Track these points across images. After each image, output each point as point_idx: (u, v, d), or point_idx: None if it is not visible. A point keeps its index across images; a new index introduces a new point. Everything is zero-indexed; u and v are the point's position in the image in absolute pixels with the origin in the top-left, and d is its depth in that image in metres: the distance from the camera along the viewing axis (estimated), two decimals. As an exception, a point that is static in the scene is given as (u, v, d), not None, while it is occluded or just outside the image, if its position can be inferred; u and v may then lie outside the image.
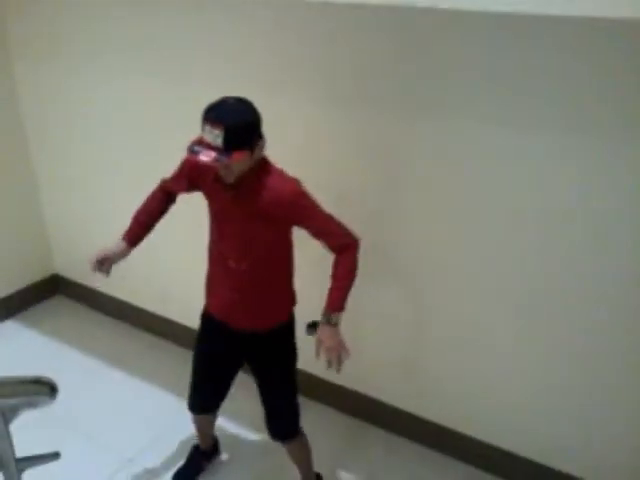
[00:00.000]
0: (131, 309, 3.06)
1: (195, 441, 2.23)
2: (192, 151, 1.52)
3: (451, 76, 1.80)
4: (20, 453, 1.23)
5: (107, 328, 3.11)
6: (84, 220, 3.06)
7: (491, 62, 1.73)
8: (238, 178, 1.60)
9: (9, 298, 3.14)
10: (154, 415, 2.30)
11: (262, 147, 1.61)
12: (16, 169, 3.05)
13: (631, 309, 1.79)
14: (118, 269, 2.95)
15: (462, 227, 1.98)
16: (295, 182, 1.65)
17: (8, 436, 1.18)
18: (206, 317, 1.90)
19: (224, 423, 2.39)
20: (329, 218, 1.68)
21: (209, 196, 1.73)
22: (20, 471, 1.22)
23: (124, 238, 1.86)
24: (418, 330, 2.22)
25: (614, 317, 1.82)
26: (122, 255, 1.86)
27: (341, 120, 2.05)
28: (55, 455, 1.26)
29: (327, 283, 1.71)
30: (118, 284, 3.09)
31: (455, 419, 2.28)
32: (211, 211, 1.75)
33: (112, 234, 2.92)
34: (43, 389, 1.19)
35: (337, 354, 1.69)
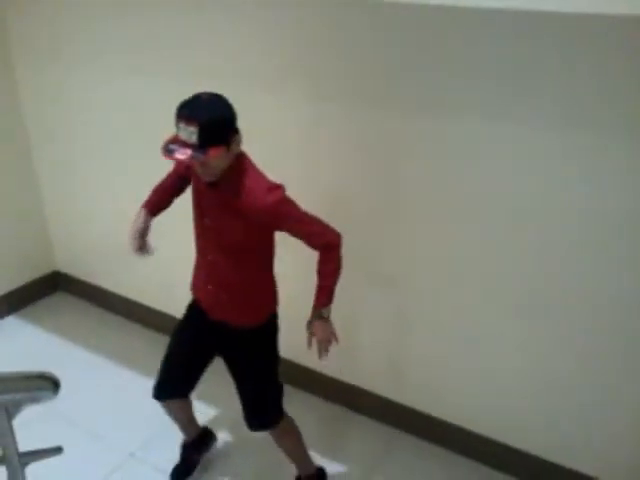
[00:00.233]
0: (132, 305, 3.08)
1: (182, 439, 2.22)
2: (167, 150, 1.50)
3: (451, 74, 1.81)
4: (23, 448, 1.24)
5: (108, 324, 3.13)
6: (85, 217, 3.07)
7: (491, 60, 1.73)
8: (218, 176, 1.59)
9: (10, 294, 3.16)
10: (155, 411, 2.28)
11: (238, 142, 1.59)
12: (17, 167, 3.06)
13: (631, 309, 1.80)
14: (120, 265, 2.96)
15: (461, 225, 1.99)
16: (276, 190, 1.62)
17: (11, 431, 1.19)
18: (191, 304, 1.91)
19: (220, 414, 2.41)
20: (310, 219, 1.67)
21: (194, 189, 1.74)
22: (23, 465, 1.23)
23: (145, 206, 1.84)
24: (421, 328, 2.23)
25: (615, 317, 1.83)
26: (147, 225, 1.83)
27: (340, 118, 2.06)
28: (57, 450, 1.27)
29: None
30: (119, 280, 3.11)
31: (448, 411, 2.30)
32: (193, 203, 1.74)
33: (111, 231, 2.95)
34: (46, 384, 1.20)
35: (329, 345, 1.77)
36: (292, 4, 1.98)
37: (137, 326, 3.09)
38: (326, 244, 1.69)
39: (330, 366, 2.51)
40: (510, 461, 2.22)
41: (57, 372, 1.24)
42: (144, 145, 2.56)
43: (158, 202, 1.86)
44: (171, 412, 2.07)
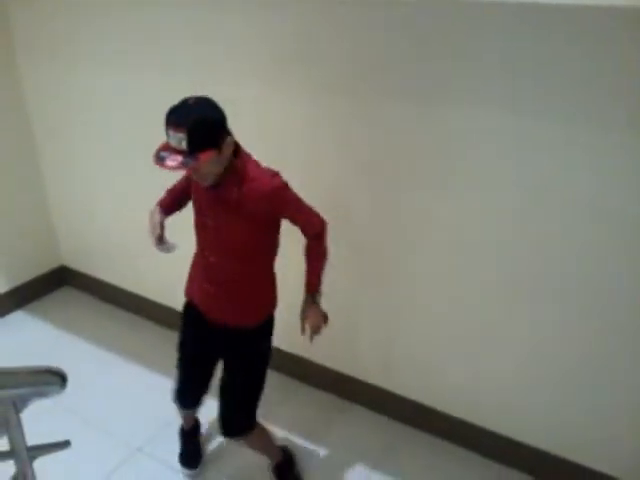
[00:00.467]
0: (138, 300, 3.09)
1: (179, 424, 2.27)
2: (158, 158, 1.49)
3: (453, 66, 1.80)
4: (30, 442, 1.25)
5: (114, 319, 3.14)
6: (90, 212, 3.08)
7: (495, 54, 1.72)
8: (217, 179, 1.59)
9: (18, 289, 3.17)
10: (162, 404, 2.31)
11: (230, 144, 1.56)
12: (22, 163, 3.07)
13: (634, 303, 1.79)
14: (125, 260, 2.97)
15: (462, 219, 1.99)
16: (275, 175, 1.65)
17: (19, 425, 1.20)
18: (187, 308, 1.91)
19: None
20: (307, 207, 1.73)
21: (195, 192, 1.74)
22: (31, 459, 1.24)
23: (159, 204, 1.83)
24: (421, 319, 2.23)
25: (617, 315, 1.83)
26: (163, 221, 1.80)
27: (342, 111, 2.06)
28: (65, 443, 1.28)
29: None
30: (125, 275, 3.12)
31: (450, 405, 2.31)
32: (195, 205, 1.75)
33: (117, 226, 2.96)
34: (54, 379, 1.21)
35: (320, 329, 1.84)
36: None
37: (143, 320, 3.10)
38: (319, 232, 1.77)
39: (328, 357, 2.52)
40: (510, 453, 2.22)
41: (64, 366, 1.24)
42: (147, 141, 2.57)
43: (171, 203, 1.86)
44: (185, 412, 2.18)
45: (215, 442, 2.35)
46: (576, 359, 1.96)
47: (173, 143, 1.47)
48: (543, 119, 1.72)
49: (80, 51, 2.63)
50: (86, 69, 2.65)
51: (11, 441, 1.21)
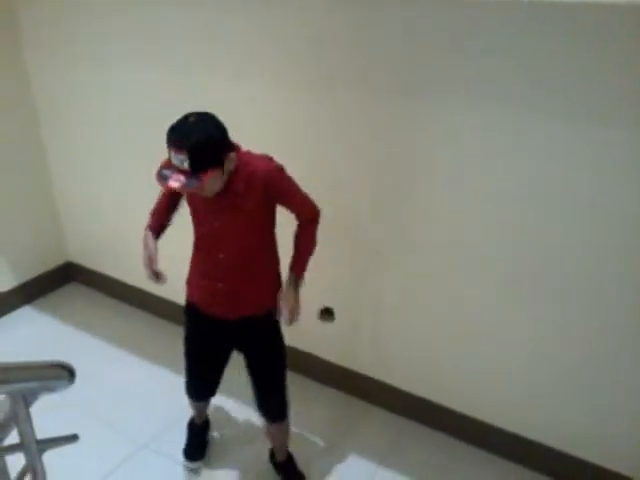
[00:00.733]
0: (144, 295, 3.10)
1: (190, 416, 2.29)
2: (162, 176, 1.49)
3: (450, 60, 1.81)
4: (39, 436, 1.26)
5: (121, 314, 3.16)
6: (96, 209, 3.09)
7: (495, 50, 1.72)
8: (219, 189, 1.60)
9: (25, 285, 3.20)
10: (169, 400, 2.33)
11: (233, 159, 1.56)
12: (29, 161, 3.08)
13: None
14: (131, 255, 2.99)
15: (463, 213, 1.99)
16: (269, 159, 1.67)
17: (29, 418, 1.22)
18: (190, 310, 1.92)
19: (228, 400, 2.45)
20: (302, 194, 1.75)
21: (191, 200, 1.74)
22: (40, 452, 1.25)
23: (150, 228, 1.83)
24: (428, 318, 2.24)
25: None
26: (156, 249, 1.81)
27: (343, 109, 2.06)
28: (74, 437, 1.29)
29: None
30: (131, 270, 3.13)
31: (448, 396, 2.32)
32: (194, 212, 1.76)
33: (123, 222, 2.97)
34: (63, 373, 1.22)
35: (298, 314, 1.83)
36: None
37: (149, 316, 3.12)
38: (314, 217, 1.79)
39: (339, 355, 2.53)
40: (517, 450, 2.23)
41: (71, 361, 1.26)
42: (156, 133, 2.58)
43: (160, 224, 1.86)
44: (195, 406, 2.20)
45: (218, 437, 2.36)
46: (577, 358, 1.97)
47: (175, 163, 1.47)
48: (544, 117, 1.72)
49: (85, 46, 2.64)
50: (92, 65, 2.66)
51: (21, 434, 1.22)
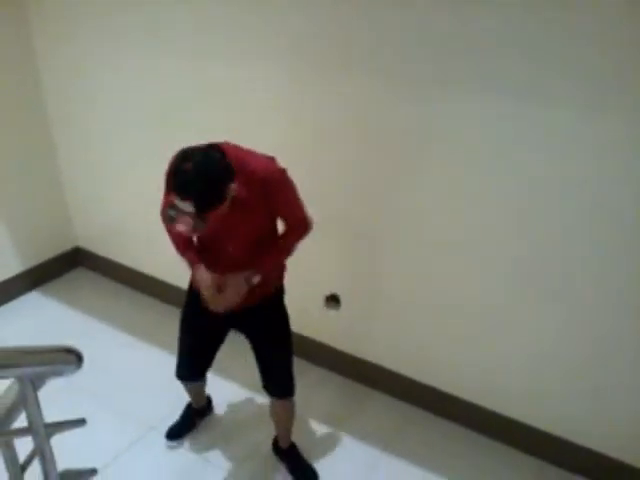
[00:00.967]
0: (151, 280, 3.12)
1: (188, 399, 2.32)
2: (168, 218, 1.48)
3: (452, 54, 1.80)
4: (47, 420, 1.27)
5: (128, 299, 3.18)
6: (104, 195, 3.10)
7: (495, 39, 1.71)
8: None
9: (33, 270, 3.22)
10: (175, 384, 2.33)
11: (234, 189, 1.53)
12: (38, 148, 3.09)
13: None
14: (138, 242, 2.99)
15: (464, 208, 2.00)
16: (271, 159, 1.65)
17: (37, 402, 1.23)
18: (193, 291, 1.92)
19: (220, 382, 2.51)
20: (300, 203, 1.73)
21: None
22: (49, 435, 1.26)
23: (199, 261, 1.80)
24: (433, 308, 2.24)
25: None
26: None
27: (341, 96, 2.06)
28: (81, 421, 1.30)
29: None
30: (138, 256, 3.14)
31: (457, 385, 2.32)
32: None
33: (130, 208, 2.97)
34: (70, 358, 1.23)
35: (227, 306, 1.74)
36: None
37: (156, 301, 3.14)
38: (303, 232, 1.76)
39: (345, 342, 2.54)
40: (521, 436, 2.24)
41: (78, 346, 1.26)
42: (161, 120, 2.58)
43: (196, 251, 1.84)
44: (188, 387, 2.21)
45: (223, 423, 2.38)
46: (578, 359, 1.98)
47: (181, 207, 1.45)
48: (544, 109, 1.71)
49: (95, 32, 2.63)
50: (102, 50, 2.65)
51: (29, 418, 1.24)
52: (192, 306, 1.95)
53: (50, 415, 1.29)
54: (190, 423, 2.34)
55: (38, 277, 3.24)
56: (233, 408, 2.46)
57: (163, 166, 1.91)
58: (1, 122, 2.87)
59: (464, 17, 1.73)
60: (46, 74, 2.95)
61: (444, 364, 2.32)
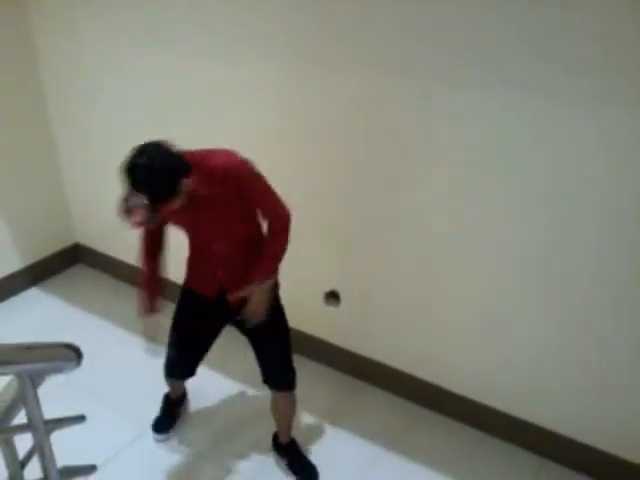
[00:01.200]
0: (151, 278, 3.11)
1: (166, 390, 2.34)
2: (124, 210, 1.53)
3: (453, 48, 1.79)
4: (47, 416, 1.27)
5: (128, 295, 3.16)
6: (103, 192, 3.08)
7: (496, 32, 1.70)
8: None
9: (33, 267, 3.21)
10: (174, 381, 2.35)
11: (188, 183, 1.55)
12: (39, 144, 3.09)
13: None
14: (137, 238, 2.99)
15: (465, 206, 1.99)
16: (231, 153, 1.65)
17: (36, 399, 1.23)
18: (186, 289, 1.95)
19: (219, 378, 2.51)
20: (272, 193, 1.71)
21: (168, 218, 1.75)
22: (48, 432, 1.26)
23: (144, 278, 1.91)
24: (437, 305, 2.24)
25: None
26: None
27: (338, 92, 2.05)
28: (81, 418, 1.31)
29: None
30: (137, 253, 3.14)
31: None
32: (175, 225, 1.79)
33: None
34: (70, 355, 1.23)
35: (260, 315, 1.80)
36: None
37: (156, 298, 3.13)
38: (284, 225, 1.74)
39: (344, 339, 2.54)
40: (521, 433, 2.24)
41: (78, 343, 1.26)
42: (161, 117, 2.57)
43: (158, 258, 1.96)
44: (172, 383, 2.26)
45: (222, 419, 2.39)
46: (578, 358, 1.98)
47: (135, 200, 1.50)
48: (544, 109, 1.71)
49: (96, 28, 2.63)
50: (103, 47, 2.65)
51: (29, 415, 1.24)
52: (186, 304, 1.97)
53: (49, 412, 1.29)
54: (173, 414, 2.35)
55: (38, 274, 3.24)
56: (232, 404, 2.46)
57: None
58: (2, 121, 2.87)
59: (465, 12, 1.72)
60: (46, 73, 2.95)
61: (444, 361, 2.32)
